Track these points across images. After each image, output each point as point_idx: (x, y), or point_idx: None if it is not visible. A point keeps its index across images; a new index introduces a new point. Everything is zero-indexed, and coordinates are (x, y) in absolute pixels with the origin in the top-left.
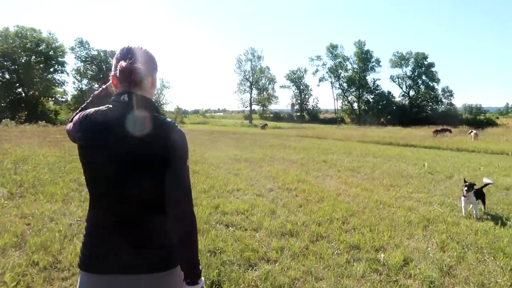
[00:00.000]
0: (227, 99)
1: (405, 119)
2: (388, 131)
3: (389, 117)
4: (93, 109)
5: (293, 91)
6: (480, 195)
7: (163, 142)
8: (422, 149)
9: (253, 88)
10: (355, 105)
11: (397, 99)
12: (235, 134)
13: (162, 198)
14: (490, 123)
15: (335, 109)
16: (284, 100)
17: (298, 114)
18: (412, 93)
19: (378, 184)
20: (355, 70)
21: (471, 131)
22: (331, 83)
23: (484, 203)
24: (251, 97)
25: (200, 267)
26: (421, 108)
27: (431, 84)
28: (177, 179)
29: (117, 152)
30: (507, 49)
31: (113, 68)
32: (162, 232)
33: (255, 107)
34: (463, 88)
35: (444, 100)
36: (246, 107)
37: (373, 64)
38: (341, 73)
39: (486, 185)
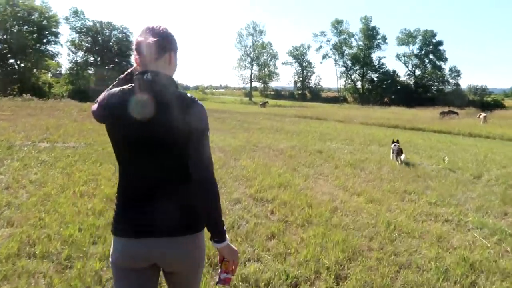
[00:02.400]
0: (228, 76)
1: (410, 100)
2: (393, 112)
3: (393, 97)
4: (118, 89)
5: (295, 68)
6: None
7: (184, 117)
8: (432, 134)
9: (254, 64)
10: (359, 84)
11: (402, 78)
12: (224, 113)
13: (186, 168)
14: (497, 105)
15: (337, 87)
16: (286, 78)
17: (300, 92)
18: (418, 72)
19: (389, 189)
20: (360, 47)
21: (480, 114)
22: (335, 60)
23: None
24: (251, 73)
25: (225, 227)
26: (427, 88)
27: (438, 64)
28: (198, 151)
29: (142, 128)
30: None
31: (134, 48)
32: (187, 199)
33: (256, 84)
34: (468, 68)
35: (451, 81)
36: (246, 84)
37: (379, 41)
38: (345, 50)
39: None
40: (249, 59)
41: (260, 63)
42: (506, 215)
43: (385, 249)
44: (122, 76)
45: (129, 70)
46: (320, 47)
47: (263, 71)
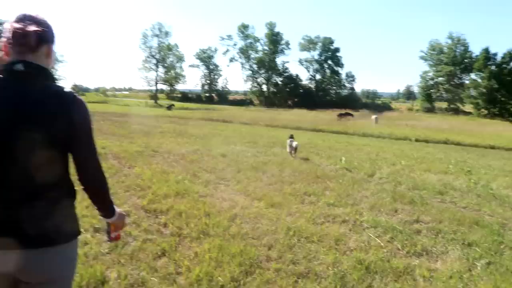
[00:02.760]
0: (133, 78)
1: (311, 102)
2: (296, 114)
3: (296, 100)
4: None
5: (203, 71)
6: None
7: (63, 115)
8: (331, 135)
9: (160, 66)
10: (264, 87)
11: (304, 82)
12: (124, 117)
13: (59, 172)
14: (386, 107)
15: (244, 90)
16: (193, 80)
17: (207, 95)
18: (318, 77)
19: (290, 192)
20: (265, 52)
21: (372, 116)
22: (242, 64)
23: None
24: (157, 75)
25: (114, 206)
26: (326, 92)
27: (336, 69)
28: (86, 151)
29: (9, 125)
30: (399, 40)
31: (4, 35)
32: (59, 207)
33: (162, 86)
34: (361, 74)
35: (347, 85)
36: (151, 86)
37: (283, 46)
38: (251, 54)
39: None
40: (154, 61)
41: (166, 65)
42: (396, 212)
43: (284, 257)
44: None
45: None
46: (227, 50)
47: (169, 74)
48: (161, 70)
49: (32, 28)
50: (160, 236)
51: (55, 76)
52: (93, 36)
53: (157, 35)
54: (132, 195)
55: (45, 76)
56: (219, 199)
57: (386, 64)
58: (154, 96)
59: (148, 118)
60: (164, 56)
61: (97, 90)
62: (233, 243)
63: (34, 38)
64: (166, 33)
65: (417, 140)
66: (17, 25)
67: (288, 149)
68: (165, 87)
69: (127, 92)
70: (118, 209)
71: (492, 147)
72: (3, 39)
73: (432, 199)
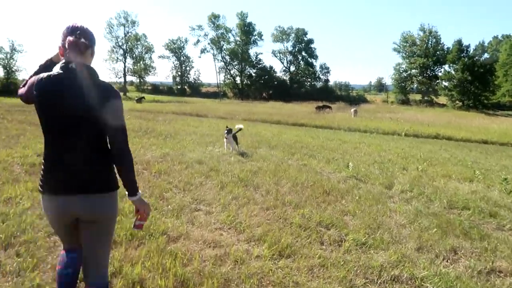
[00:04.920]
0: (100, 69)
1: (286, 95)
2: (272, 106)
3: (271, 92)
4: (46, 74)
5: (173, 62)
6: (234, 138)
7: (103, 100)
8: (316, 131)
9: (128, 57)
10: (238, 79)
11: (279, 74)
12: None
13: (101, 140)
14: (361, 99)
15: (217, 83)
16: (164, 72)
17: (179, 87)
18: (292, 68)
19: (298, 222)
20: (238, 42)
21: (351, 109)
22: (213, 55)
23: (237, 143)
24: (125, 66)
25: (137, 185)
26: (301, 84)
27: (310, 61)
28: (118, 128)
29: (68, 108)
30: (369, 32)
31: (60, 41)
32: (100, 165)
33: (132, 78)
34: (332, 66)
35: (321, 77)
36: (119, 78)
37: (255, 37)
38: (223, 45)
39: (238, 130)
40: (121, 51)
41: (134, 55)
42: (456, 254)
43: None
44: (42, 63)
45: (49, 58)
46: (198, 41)
47: (138, 65)
48: (129, 61)
49: (82, 40)
50: None
51: (96, 70)
52: (55, 25)
53: (123, 25)
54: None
55: (91, 72)
56: (198, 243)
57: (357, 57)
58: (123, 88)
59: None
60: (132, 47)
61: None
62: None
63: (83, 46)
64: (133, 22)
65: (406, 135)
66: (71, 38)
67: (226, 145)
68: (134, 79)
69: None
70: (144, 199)
71: (485, 142)
72: (60, 44)
73: (485, 225)
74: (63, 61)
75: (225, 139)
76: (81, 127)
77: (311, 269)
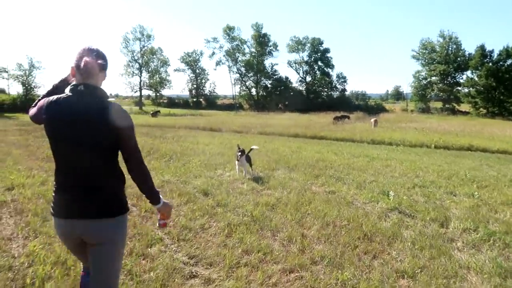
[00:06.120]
0: (116, 83)
1: (303, 105)
2: (289, 118)
3: (287, 103)
4: (55, 96)
5: (189, 75)
6: (248, 159)
7: (113, 123)
8: (338, 144)
9: (144, 71)
10: (253, 91)
11: (295, 84)
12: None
13: (111, 163)
14: (379, 108)
15: (233, 94)
16: (179, 85)
17: (194, 100)
18: (308, 78)
19: (327, 283)
20: (253, 54)
21: (371, 119)
22: (229, 67)
23: (251, 165)
24: (140, 80)
25: (159, 194)
26: (317, 94)
27: (326, 70)
28: (130, 145)
29: (76, 136)
30: (386, 40)
31: (74, 61)
32: (109, 189)
33: (148, 92)
34: (349, 75)
35: (338, 86)
36: (135, 92)
37: (270, 48)
38: (238, 56)
39: (251, 149)
40: (137, 65)
41: (150, 69)
42: None
43: None
44: (56, 83)
45: (63, 78)
46: (213, 53)
47: (153, 78)
48: (145, 75)
49: (99, 61)
50: None
51: (105, 91)
52: (72, 41)
53: (139, 39)
54: None
55: (99, 93)
56: None
57: (373, 65)
58: (139, 102)
59: None
60: (148, 61)
61: None
62: None
63: (99, 68)
64: (149, 36)
65: (435, 147)
66: (87, 59)
67: (237, 167)
68: (150, 92)
69: (113, 99)
70: (165, 200)
71: None
72: (73, 64)
73: None
74: (74, 83)
75: (236, 162)
76: (88, 154)
77: None
